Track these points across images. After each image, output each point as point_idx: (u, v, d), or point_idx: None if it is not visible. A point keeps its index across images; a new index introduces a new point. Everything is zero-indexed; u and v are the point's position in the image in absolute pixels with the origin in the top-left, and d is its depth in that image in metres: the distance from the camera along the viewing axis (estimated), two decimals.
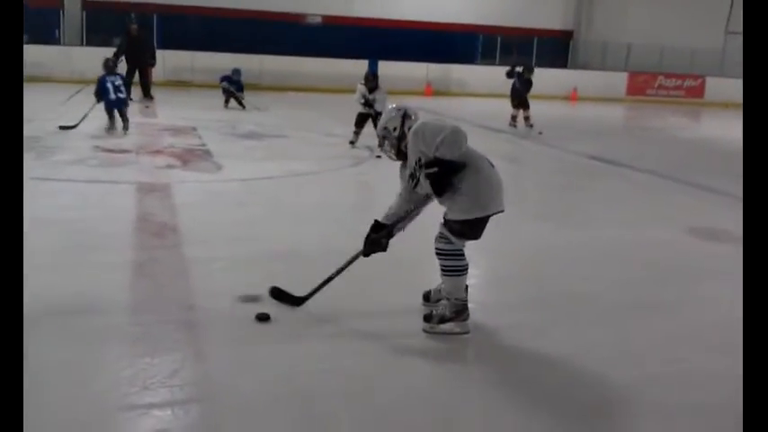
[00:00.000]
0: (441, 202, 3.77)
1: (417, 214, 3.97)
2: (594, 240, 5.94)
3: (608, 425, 2.99)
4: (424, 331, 3.80)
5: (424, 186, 3.74)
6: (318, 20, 21.78)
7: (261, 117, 13.33)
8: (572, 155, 11.06)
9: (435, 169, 3.57)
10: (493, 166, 3.79)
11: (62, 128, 10.20)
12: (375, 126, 9.86)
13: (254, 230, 5.64)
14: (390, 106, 4.02)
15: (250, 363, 3.34)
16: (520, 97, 13.78)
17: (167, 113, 13.12)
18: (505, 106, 14.15)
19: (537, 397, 3.19)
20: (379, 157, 9.59)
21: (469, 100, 19.68)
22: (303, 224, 5.97)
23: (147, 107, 14.07)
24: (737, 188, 8.39)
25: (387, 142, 3.90)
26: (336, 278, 4.05)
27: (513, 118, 13.85)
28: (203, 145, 9.80)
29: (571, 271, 5.06)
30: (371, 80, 10.09)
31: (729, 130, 16.12)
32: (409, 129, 3.78)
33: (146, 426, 2.77)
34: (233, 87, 14.45)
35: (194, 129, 11.26)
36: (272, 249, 5.13)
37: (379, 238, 3.93)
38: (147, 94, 14.96)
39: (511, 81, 14.12)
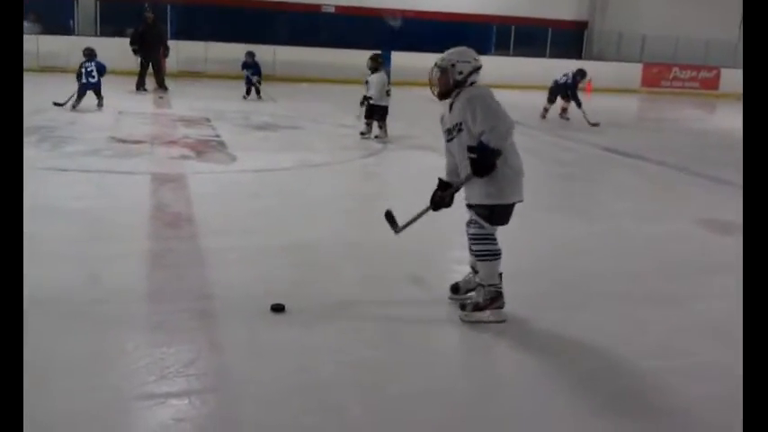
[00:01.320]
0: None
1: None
2: (608, 232, 5.94)
3: (623, 417, 3.00)
4: (461, 320, 3.82)
5: (454, 149, 3.79)
6: (332, 10, 21.74)
7: (274, 108, 13.35)
8: (586, 146, 11.03)
9: (475, 156, 3.61)
10: (518, 154, 3.83)
11: (55, 104, 11.36)
12: (369, 112, 9.93)
13: (269, 221, 5.67)
14: (467, 48, 3.90)
15: (266, 353, 3.37)
16: (566, 93, 13.63)
17: (181, 104, 13.16)
18: (517, 97, 14.10)
19: (552, 389, 3.20)
20: (363, 134, 9.63)
21: None
22: (316, 215, 5.99)
23: (161, 98, 14.13)
24: None
25: (440, 75, 3.78)
26: (351, 269, 4.06)
27: (564, 110, 13.77)
28: (217, 136, 9.84)
29: (584, 263, 5.06)
30: (372, 61, 10.10)
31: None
32: (471, 84, 3.76)
33: (163, 415, 2.80)
34: (250, 72, 14.49)
35: (208, 120, 11.30)
36: (285, 240, 5.16)
37: (444, 195, 3.88)
38: (161, 85, 15.02)
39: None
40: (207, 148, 8.88)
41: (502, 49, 23.39)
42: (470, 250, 3.93)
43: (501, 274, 3.87)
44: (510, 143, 3.75)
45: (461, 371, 3.38)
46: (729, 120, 17.19)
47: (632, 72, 23.08)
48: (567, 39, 24.48)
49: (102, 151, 8.29)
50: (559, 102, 13.69)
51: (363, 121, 10.02)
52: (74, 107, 11.46)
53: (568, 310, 4.13)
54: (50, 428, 2.67)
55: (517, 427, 2.90)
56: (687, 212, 6.73)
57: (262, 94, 14.46)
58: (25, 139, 8.56)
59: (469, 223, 3.82)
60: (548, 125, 13.12)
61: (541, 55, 23.41)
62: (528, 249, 5.32)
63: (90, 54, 11.95)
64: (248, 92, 14.53)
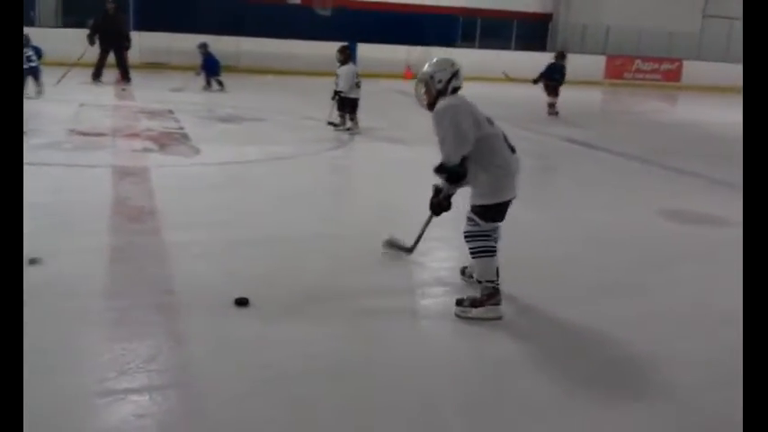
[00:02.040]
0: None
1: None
2: (571, 223, 5.99)
3: (586, 403, 3.03)
4: (456, 315, 3.82)
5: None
6: (298, 1, 21.58)
7: (239, 100, 13.22)
8: (549, 137, 11.10)
9: (445, 175, 3.84)
10: (514, 150, 3.96)
11: None
12: (340, 104, 9.88)
13: (232, 214, 5.62)
14: (444, 58, 4.03)
15: (229, 348, 3.34)
16: (558, 84, 13.52)
17: (144, 96, 12.99)
18: (484, 89, 14.14)
19: (516, 378, 3.21)
20: (330, 124, 9.58)
21: None
22: (281, 208, 5.95)
23: (123, 90, 13.92)
24: (713, 171, 8.50)
25: (423, 88, 3.93)
26: (317, 262, 4.05)
27: (551, 106, 13.58)
28: (180, 128, 9.72)
29: (546, 253, 5.09)
30: (340, 54, 10.04)
31: (706, 113, 16.27)
32: (453, 89, 3.90)
33: (123, 411, 2.76)
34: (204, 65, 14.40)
35: (171, 112, 11.17)
36: (249, 233, 5.12)
37: (440, 200, 4.01)
38: (125, 77, 14.80)
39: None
40: (170, 140, 8.77)
41: (468, 41, 23.44)
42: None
43: (498, 270, 3.91)
44: (495, 144, 3.88)
45: (428, 361, 3.37)
46: (692, 111, 17.47)
47: (596, 64, 23.28)
48: (532, 31, 24.60)
49: (63, 144, 8.16)
50: (546, 98, 13.56)
51: (336, 113, 9.97)
52: None
53: (529, 300, 4.14)
54: None
55: (480, 414, 2.90)
56: (651, 203, 6.81)
57: (222, 86, 14.38)
58: None
59: (466, 222, 3.87)
60: (512, 117, 13.16)
61: (507, 47, 23.52)
62: None
63: (26, 40, 11.64)
64: (208, 83, 14.39)
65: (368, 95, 10.48)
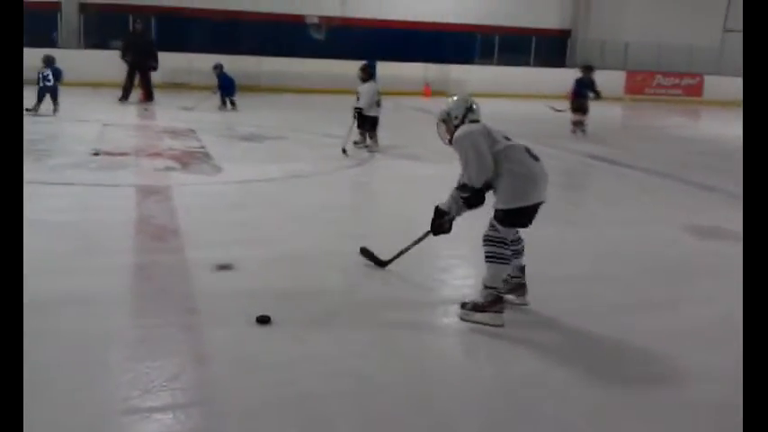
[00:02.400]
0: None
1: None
2: (594, 239, 5.96)
3: (609, 424, 3.00)
4: (459, 317, 3.91)
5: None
6: (316, 20, 21.75)
7: (260, 119, 13.31)
8: (571, 153, 11.06)
9: (466, 194, 3.95)
10: (537, 159, 4.07)
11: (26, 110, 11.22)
12: (358, 122, 9.88)
13: (254, 233, 5.65)
14: (461, 96, 4.28)
15: (251, 366, 3.34)
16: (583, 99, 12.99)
17: (166, 116, 13.12)
18: (502, 106, 14.13)
19: (538, 397, 3.19)
20: (344, 151, 9.51)
21: None
22: (303, 226, 5.97)
23: (145, 109, 14.07)
24: (735, 186, 8.42)
25: (444, 126, 4.15)
26: (338, 280, 4.06)
27: (576, 124, 13.01)
28: (202, 147, 9.80)
29: (571, 270, 5.06)
30: (362, 72, 10.09)
31: (728, 128, 16.14)
32: (470, 121, 4.07)
33: (147, 429, 2.77)
34: (220, 85, 14.51)
35: (193, 131, 11.27)
36: (271, 251, 5.13)
37: (442, 223, 4.18)
38: (148, 97, 15.01)
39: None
40: (192, 159, 8.84)
41: (486, 57, 23.48)
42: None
43: (512, 284, 4.06)
44: (514, 153, 4.00)
45: (449, 381, 3.36)
46: (713, 126, 17.35)
47: (616, 80, 23.19)
48: (550, 47, 24.60)
49: (87, 164, 8.24)
50: (572, 115, 13.07)
51: (356, 131, 10.00)
52: (34, 110, 11.86)
53: (555, 317, 4.12)
54: None
55: None
56: (673, 218, 6.76)
57: (234, 105, 14.48)
58: None
59: (488, 226, 3.96)
60: (532, 133, 13.13)
61: (525, 64, 23.54)
62: None
63: (48, 60, 12.36)
64: (224, 103, 14.49)
65: (386, 113, 10.51)
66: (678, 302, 4.52)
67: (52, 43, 19.24)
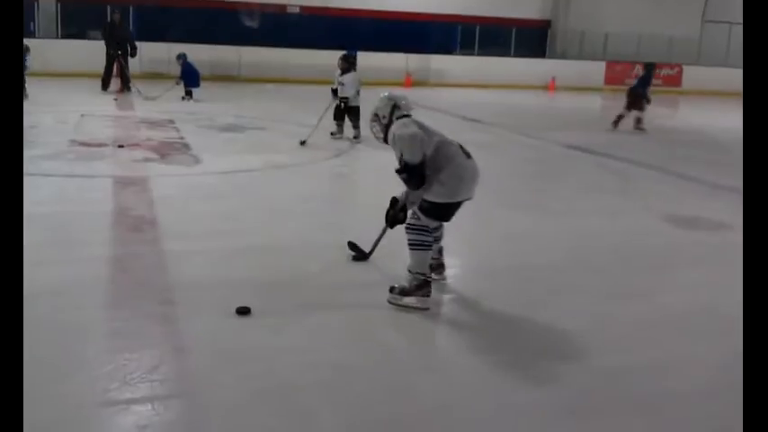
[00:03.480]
0: None
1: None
2: (572, 229, 5.98)
3: (591, 414, 3.01)
4: (388, 302, 3.97)
5: None
6: (297, 10, 21.64)
7: (240, 109, 13.22)
8: (550, 144, 11.10)
9: (404, 175, 3.99)
10: (469, 156, 4.06)
11: None
12: (342, 112, 9.82)
13: (233, 224, 5.61)
14: (382, 95, 4.29)
15: (231, 357, 3.33)
16: (637, 95, 12.65)
17: (144, 106, 13.01)
18: (482, 96, 14.15)
19: (517, 387, 3.21)
20: (303, 143, 9.42)
21: (449, 90, 19.68)
22: (281, 217, 5.95)
23: (115, 99, 13.84)
24: (715, 176, 8.49)
25: (377, 126, 4.25)
26: (318, 272, 4.06)
27: (620, 118, 12.75)
28: (181, 138, 9.73)
29: (549, 260, 5.08)
30: (344, 61, 10.00)
31: (707, 118, 16.27)
32: (398, 118, 4.12)
33: (126, 422, 2.75)
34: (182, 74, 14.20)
35: (172, 121, 11.18)
36: (250, 242, 5.11)
37: (395, 213, 4.28)
38: (126, 86, 14.87)
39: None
40: (171, 150, 8.78)
41: (467, 48, 23.50)
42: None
43: (431, 264, 4.13)
44: (449, 149, 4.03)
45: (428, 370, 3.36)
46: (693, 116, 17.46)
47: (595, 70, 23.31)
48: (531, 38, 24.65)
49: (64, 155, 8.15)
50: (630, 112, 12.74)
51: (334, 122, 9.96)
52: None
53: (532, 306, 4.14)
54: None
55: (480, 426, 2.89)
56: (653, 208, 6.80)
57: (191, 96, 14.12)
58: None
59: (410, 215, 4.08)
60: (511, 123, 13.17)
61: (506, 54, 23.57)
62: (493, 246, 5.36)
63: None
64: (187, 93, 14.08)
65: (366, 103, 10.47)
66: (658, 292, 4.56)
67: (29, 33, 19.00)
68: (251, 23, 20.03)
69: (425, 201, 3.98)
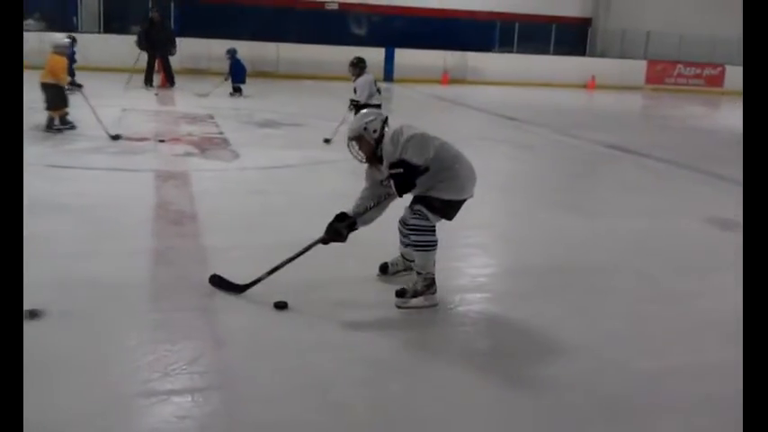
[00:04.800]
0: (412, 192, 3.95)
1: (383, 209, 4.14)
2: (612, 230, 5.93)
3: (627, 417, 3.00)
4: (398, 306, 3.92)
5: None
6: (335, 7, 21.73)
7: (278, 105, 13.32)
8: (590, 143, 11.00)
9: (400, 170, 3.79)
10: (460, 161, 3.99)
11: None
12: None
13: (272, 219, 5.67)
14: (363, 112, 4.18)
15: (269, 350, 3.37)
16: None
17: (185, 101, 13.17)
18: (521, 94, 14.06)
19: (556, 389, 3.19)
20: (327, 141, 9.36)
21: (486, 88, 19.60)
22: (319, 212, 5.92)
23: (156, 94, 14.06)
24: None
25: (357, 144, 4.03)
26: (355, 267, 4.08)
27: None
28: (221, 133, 9.84)
29: (589, 261, 5.05)
30: (353, 67, 9.76)
31: None
32: (387, 132, 3.99)
33: (166, 412, 2.80)
34: (230, 70, 14.41)
35: (212, 117, 11.31)
36: (288, 238, 5.11)
37: (340, 228, 4.09)
38: (169, 82, 15.13)
39: None
40: (210, 145, 8.88)
41: (505, 46, 23.35)
42: (402, 243, 4.20)
43: (435, 262, 4.04)
44: (452, 148, 3.96)
45: (463, 367, 3.37)
46: (734, 117, 17.15)
47: (636, 69, 23.05)
48: (571, 36, 24.42)
49: (106, 149, 8.30)
50: None
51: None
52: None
53: (571, 308, 4.12)
54: (53, 426, 2.67)
55: (514, 425, 2.89)
56: (692, 210, 6.72)
57: (240, 92, 14.32)
58: (30, 137, 8.58)
59: (411, 215, 3.92)
60: (552, 123, 13.07)
61: (545, 52, 23.39)
62: (531, 245, 5.33)
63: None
64: (234, 90, 14.32)
65: (403, 100, 10.50)
66: (696, 295, 4.50)
67: (72, 28, 19.35)
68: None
69: (436, 199, 3.87)
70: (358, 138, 4.00)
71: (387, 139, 3.93)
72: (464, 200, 3.97)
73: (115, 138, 8.78)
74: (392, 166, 3.83)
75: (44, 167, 6.94)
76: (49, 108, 9.05)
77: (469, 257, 5.01)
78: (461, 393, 3.12)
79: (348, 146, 4.08)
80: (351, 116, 9.72)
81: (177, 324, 3.59)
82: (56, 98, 9.03)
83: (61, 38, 9.60)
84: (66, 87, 9.35)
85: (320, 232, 5.32)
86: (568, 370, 3.37)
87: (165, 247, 4.81)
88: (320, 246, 4.40)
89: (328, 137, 9.45)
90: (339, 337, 3.58)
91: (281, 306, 3.80)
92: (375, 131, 3.98)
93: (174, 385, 2.99)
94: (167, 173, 7.15)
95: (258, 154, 8.51)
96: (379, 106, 9.71)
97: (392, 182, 3.87)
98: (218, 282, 4.05)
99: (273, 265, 4.04)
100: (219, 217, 5.60)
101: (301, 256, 4.07)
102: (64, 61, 9.21)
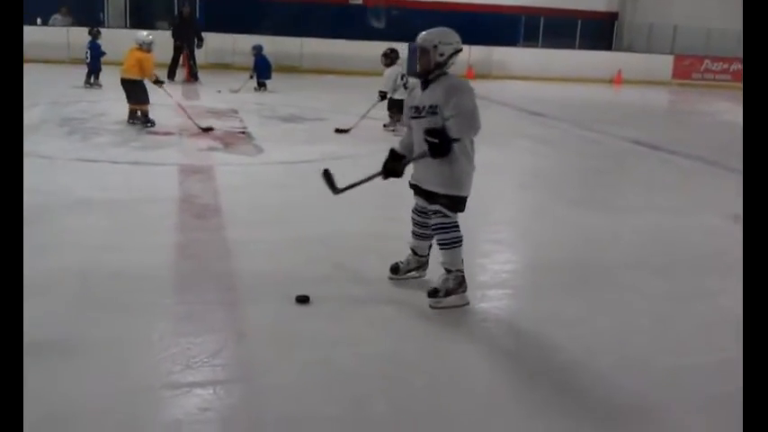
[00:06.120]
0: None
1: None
2: (636, 226, 5.88)
3: (650, 412, 2.98)
4: (431, 307, 3.85)
5: (420, 127, 3.83)
6: (359, 1, 21.70)
7: (301, 100, 13.35)
8: (615, 139, 10.91)
9: (435, 140, 3.68)
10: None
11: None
12: (389, 104, 9.86)
13: (295, 213, 5.69)
14: (449, 30, 3.92)
15: (291, 344, 3.39)
16: None
17: (209, 96, 13.24)
18: (546, 89, 13.96)
19: (576, 386, 3.18)
20: (340, 131, 9.52)
21: (511, 83, 19.50)
22: (342, 207, 5.95)
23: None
24: None
25: (421, 55, 3.80)
26: (377, 262, 4.10)
27: None
28: (244, 128, 9.89)
29: (612, 257, 5.02)
30: (385, 57, 10.10)
31: None
32: (451, 65, 3.83)
33: (188, 404, 2.83)
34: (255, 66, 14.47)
35: (236, 111, 11.36)
36: (312, 232, 5.17)
37: (397, 166, 4.03)
38: (194, 76, 15.21)
39: None
40: (234, 139, 8.93)
41: (530, 40, 23.19)
42: (414, 234, 4.14)
43: (423, 261, 4.07)
44: (470, 142, 3.84)
45: (485, 364, 3.37)
46: None
47: (663, 64, 22.76)
48: (597, 30, 24.20)
49: (131, 142, 8.37)
50: None
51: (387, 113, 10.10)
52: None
53: (593, 305, 4.10)
54: (76, 416, 2.71)
55: (533, 423, 2.88)
56: (717, 207, 6.64)
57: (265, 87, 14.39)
58: (56, 131, 8.69)
59: (433, 215, 3.87)
60: (576, 118, 12.98)
61: (571, 47, 23.18)
62: (554, 242, 5.31)
63: (90, 32, 13.39)
64: (259, 85, 14.39)
65: None
66: (720, 293, 4.44)
67: (99, 23, 19.51)
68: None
69: (448, 195, 3.80)
70: (424, 49, 3.78)
71: (448, 82, 3.77)
72: (467, 196, 3.89)
73: (207, 130, 9.11)
74: (430, 132, 3.71)
75: (70, 161, 7.02)
76: (135, 102, 9.28)
77: (492, 254, 5.00)
78: (483, 389, 3.12)
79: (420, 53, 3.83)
80: (378, 106, 9.87)
81: (200, 317, 3.62)
82: (141, 93, 9.26)
83: (146, 35, 9.74)
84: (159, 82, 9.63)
85: (343, 225, 5.37)
86: (590, 366, 3.35)
87: (189, 240, 4.85)
88: (340, 240, 4.41)
89: (345, 128, 9.63)
90: (361, 331, 3.59)
91: (302, 300, 3.82)
92: (442, 55, 3.76)
93: (197, 377, 3.01)
94: (192, 167, 7.21)
95: (281, 149, 8.53)
96: (401, 102, 9.78)
97: (427, 146, 3.74)
98: (327, 177, 4.27)
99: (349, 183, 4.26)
100: (243, 211, 5.64)
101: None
102: (152, 57, 9.40)
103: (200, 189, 6.31)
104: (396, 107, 9.88)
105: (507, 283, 4.46)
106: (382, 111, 10.12)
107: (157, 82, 9.56)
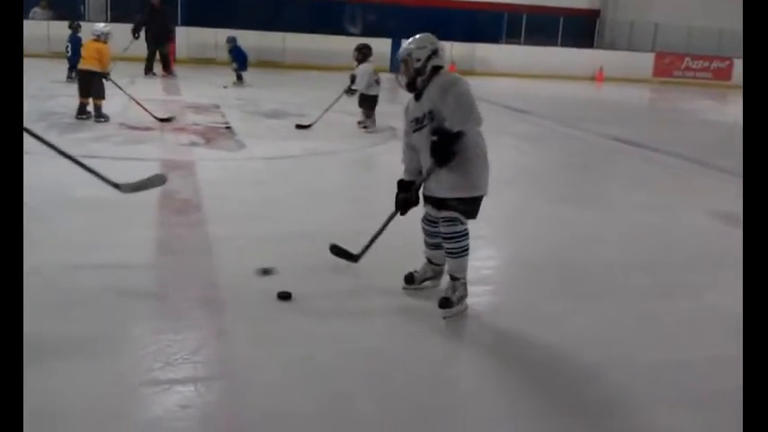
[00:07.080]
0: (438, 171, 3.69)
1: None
2: (620, 223, 5.91)
3: (632, 410, 2.98)
4: (444, 318, 3.74)
5: (419, 141, 3.75)
6: None
7: (283, 96, 13.30)
8: (598, 136, 10.96)
9: (437, 138, 3.58)
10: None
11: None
12: (359, 102, 9.77)
13: (276, 209, 5.66)
14: (425, 35, 3.87)
15: (272, 341, 3.37)
16: None
17: (191, 91, 13.15)
18: (528, 86, 14.00)
19: (559, 382, 3.18)
20: (301, 126, 9.49)
21: (494, 80, 19.52)
22: (324, 203, 5.97)
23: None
24: None
25: (404, 67, 3.79)
26: (362, 256, 4.06)
27: None
28: (226, 123, 9.82)
29: (595, 254, 5.03)
30: (358, 52, 9.90)
31: None
32: (433, 67, 3.75)
33: (169, 401, 2.80)
34: (231, 60, 14.37)
35: (217, 106, 11.29)
36: (293, 228, 5.15)
37: (409, 197, 3.87)
38: (167, 71, 15.07)
39: None
40: (216, 135, 8.87)
41: (513, 37, 23.25)
42: (427, 244, 3.99)
43: (437, 270, 4.00)
44: (481, 137, 3.76)
45: (468, 361, 3.36)
46: (742, 111, 17.08)
47: (644, 62, 22.92)
48: (578, 27, 24.30)
49: (111, 137, 8.30)
50: None
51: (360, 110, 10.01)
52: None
53: (577, 302, 4.11)
54: (54, 414, 2.67)
55: (516, 420, 2.88)
56: (700, 204, 6.68)
57: (242, 80, 14.32)
58: (34, 125, 8.55)
59: (443, 222, 3.74)
60: (558, 114, 13.03)
61: (553, 44, 23.28)
62: (537, 238, 5.31)
63: (70, 26, 13.00)
64: (237, 78, 14.32)
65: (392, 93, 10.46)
66: (705, 290, 4.47)
67: (79, 17, 19.32)
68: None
69: (461, 199, 3.68)
70: (403, 61, 3.77)
71: (438, 82, 3.69)
72: (483, 196, 3.77)
73: (166, 120, 9.12)
74: (435, 131, 3.61)
75: (49, 157, 6.92)
76: (87, 96, 9.10)
77: (474, 250, 4.96)
78: (466, 386, 3.12)
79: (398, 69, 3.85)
80: (342, 100, 9.75)
81: (180, 313, 3.59)
82: (98, 87, 9.09)
83: (103, 26, 9.63)
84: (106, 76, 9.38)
85: (324, 221, 5.34)
86: (573, 363, 3.36)
87: (170, 237, 4.81)
88: (323, 236, 4.40)
89: (305, 123, 9.61)
90: (343, 327, 3.57)
91: (284, 296, 3.79)
92: (418, 60, 3.72)
93: (177, 375, 2.98)
94: (172, 162, 7.14)
95: (263, 144, 8.49)
96: (376, 97, 9.75)
97: (431, 149, 3.62)
98: (337, 251, 4.09)
99: (368, 241, 4.04)
100: (224, 206, 5.60)
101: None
102: (109, 49, 9.25)
103: (181, 185, 6.25)
104: (367, 103, 9.83)
105: (489, 280, 4.46)
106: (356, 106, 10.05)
107: (106, 75, 9.39)
